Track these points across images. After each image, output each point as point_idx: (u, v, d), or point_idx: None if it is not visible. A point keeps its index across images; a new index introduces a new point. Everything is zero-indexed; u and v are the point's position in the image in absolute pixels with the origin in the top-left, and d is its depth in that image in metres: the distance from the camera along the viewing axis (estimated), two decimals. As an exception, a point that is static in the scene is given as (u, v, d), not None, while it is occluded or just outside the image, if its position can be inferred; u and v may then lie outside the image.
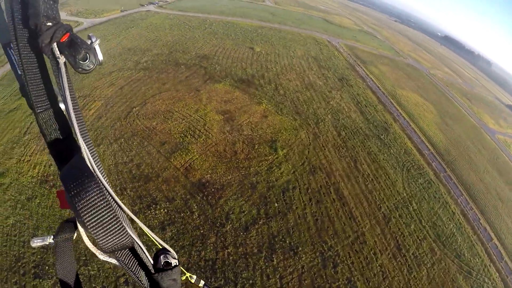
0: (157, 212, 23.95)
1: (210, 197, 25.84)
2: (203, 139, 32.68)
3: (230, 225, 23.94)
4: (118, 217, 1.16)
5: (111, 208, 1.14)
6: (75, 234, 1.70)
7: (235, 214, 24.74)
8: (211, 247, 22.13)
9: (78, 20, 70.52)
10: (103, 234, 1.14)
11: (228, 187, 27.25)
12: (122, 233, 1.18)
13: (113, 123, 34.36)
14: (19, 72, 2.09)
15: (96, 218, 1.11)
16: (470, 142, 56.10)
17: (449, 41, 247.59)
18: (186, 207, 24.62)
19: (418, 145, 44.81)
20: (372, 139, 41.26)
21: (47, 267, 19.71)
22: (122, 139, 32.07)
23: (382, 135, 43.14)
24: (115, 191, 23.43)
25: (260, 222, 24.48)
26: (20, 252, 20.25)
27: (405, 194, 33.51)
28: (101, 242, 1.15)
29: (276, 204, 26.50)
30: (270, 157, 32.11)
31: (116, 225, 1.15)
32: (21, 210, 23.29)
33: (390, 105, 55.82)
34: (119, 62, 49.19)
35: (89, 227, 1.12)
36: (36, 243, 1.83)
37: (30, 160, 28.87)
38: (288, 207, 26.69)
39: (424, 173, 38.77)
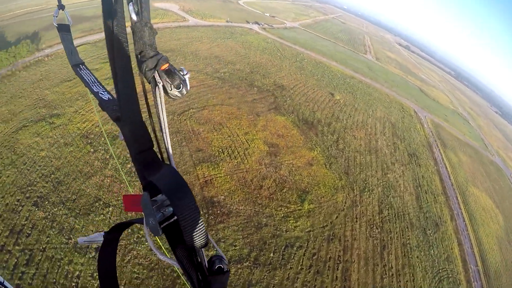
0: (155, 208, 25.29)
1: (212, 217, 26.25)
2: (237, 162, 33.65)
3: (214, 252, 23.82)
4: (203, 220, 1.64)
5: (199, 212, 1.44)
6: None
7: (225, 244, 24.53)
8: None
9: (185, 17, 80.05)
10: (191, 231, 1.40)
11: (234, 215, 27.34)
12: (203, 233, 1.45)
13: (167, 116, 37.46)
14: (95, 90, 2.57)
15: (190, 217, 1.38)
16: (530, 274, 46.94)
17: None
18: (185, 216, 25.42)
19: (466, 256, 38.54)
20: (416, 230, 37.08)
21: (46, 202, 23.01)
22: (167, 132, 34.74)
23: (429, 230, 38.25)
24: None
25: (244, 264, 23.70)
26: (35, 180, 24.35)
27: (422, 307, 29.59)
28: (187, 238, 1.41)
29: (271, 255, 25.44)
30: (293, 206, 31.37)
31: (201, 226, 1.44)
32: (55, 149, 28.04)
33: (454, 200, 49.64)
34: (201, 65, 54.01)
35: (183, 224, 1.38)
36: (84, 241, 2.27)
37: (84, 115, 34.04)
38: (282, 263, 25.32)
39: (457, 290, 33.59)
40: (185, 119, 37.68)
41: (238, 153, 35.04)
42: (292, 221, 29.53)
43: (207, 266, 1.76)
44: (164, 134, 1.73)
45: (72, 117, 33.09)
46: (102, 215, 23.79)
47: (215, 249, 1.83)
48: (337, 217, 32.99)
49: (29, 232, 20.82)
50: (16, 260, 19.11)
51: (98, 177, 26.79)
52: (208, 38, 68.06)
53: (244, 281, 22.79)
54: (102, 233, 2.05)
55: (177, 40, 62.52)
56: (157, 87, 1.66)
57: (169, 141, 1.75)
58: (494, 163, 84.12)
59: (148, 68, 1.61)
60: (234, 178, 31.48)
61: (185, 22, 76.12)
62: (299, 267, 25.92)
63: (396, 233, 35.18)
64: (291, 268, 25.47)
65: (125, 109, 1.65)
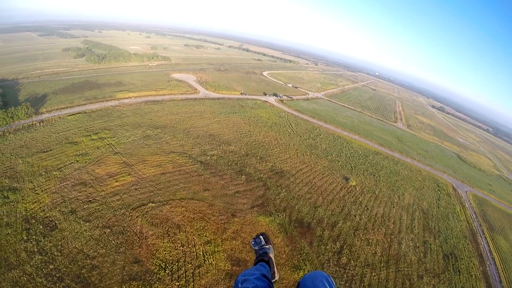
0: None
1: None
2: (178, 286, 27.05)
3: None
4: None
5: None
6: None
7: None
8: None
9: (198, 88, 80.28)
10: None
11: None
12: None
13: (119, 209, 33.18)
14: None
15: None
16: None
17: None
18: None
19: None
20: None
21: None
22: (109, 230, 30.26)
23: None
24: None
25: None
26: None
27: None
28: None
29: None
30: None
31: None
32: None
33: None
34: (188, 145, 50.58)
35: None
36: None
37: (38, 194, 34.05)
38: None
39: None
40: (137, 216, 32.80)
41: (185, 271, 28.28)
42: None
43: None
44: None
45: (27, 194, 33.36)
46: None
47: None
48: None
49: None
50: None
51: (18, 271, 25.34)
52: (211, 113, 66.04)
53: None
54: None
55: (174, 115, 60.89)
56: None
57: None
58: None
59: None
60: (164, 313, 24.91)
61: (194, 94, 76.17)
62: None
63: None
64: None
65: None
